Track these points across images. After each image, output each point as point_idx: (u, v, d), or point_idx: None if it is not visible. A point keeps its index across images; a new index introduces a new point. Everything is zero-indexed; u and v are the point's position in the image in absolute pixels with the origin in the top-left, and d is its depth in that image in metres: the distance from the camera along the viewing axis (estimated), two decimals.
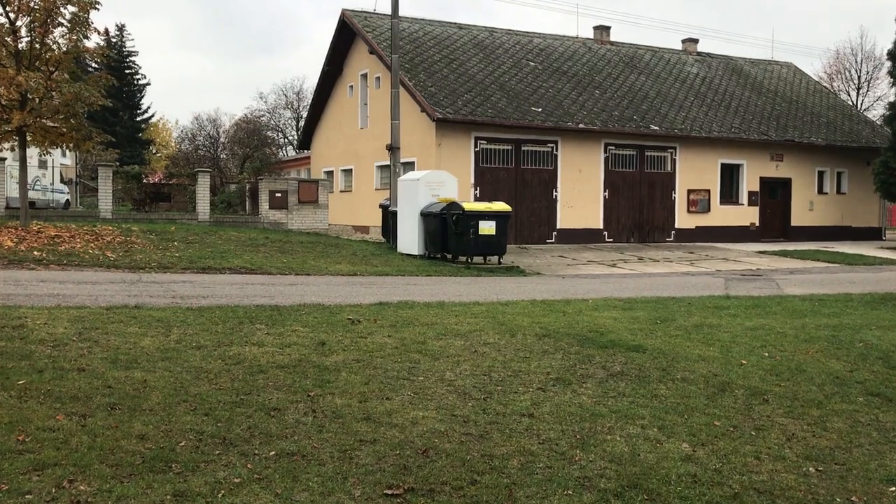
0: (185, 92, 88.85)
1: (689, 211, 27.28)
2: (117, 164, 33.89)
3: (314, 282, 13.18)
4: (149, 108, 63.01)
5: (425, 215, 18.61)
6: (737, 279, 17.09)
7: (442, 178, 19.32)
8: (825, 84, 41.46)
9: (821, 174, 30.21)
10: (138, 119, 61.61)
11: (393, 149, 21.41)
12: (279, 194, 21.68)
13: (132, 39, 69.15)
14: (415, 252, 18.85)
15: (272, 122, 59.60)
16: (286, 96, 60.66)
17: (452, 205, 17.68)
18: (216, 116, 52.81)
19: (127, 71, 61.03)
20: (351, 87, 28.76)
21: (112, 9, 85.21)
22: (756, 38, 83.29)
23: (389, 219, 21.01)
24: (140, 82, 61.81)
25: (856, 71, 49.40)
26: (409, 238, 19.13)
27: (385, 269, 16.02)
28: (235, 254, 15.89)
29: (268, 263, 15.02)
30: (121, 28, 60.94)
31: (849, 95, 47.26)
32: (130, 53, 61.36)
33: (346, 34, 27.95)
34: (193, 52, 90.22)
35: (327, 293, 11.48)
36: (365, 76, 27.73)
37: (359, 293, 11.68)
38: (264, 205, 21.99)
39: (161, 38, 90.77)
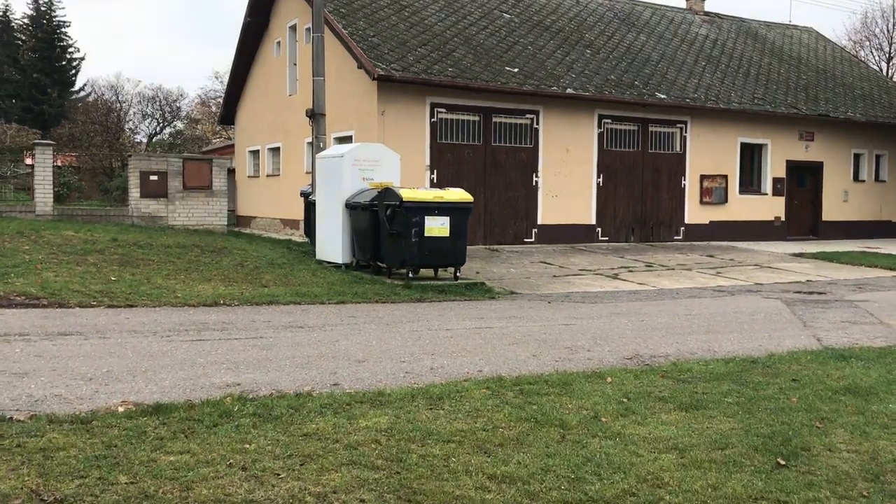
0: (152, 77, 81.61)
1: (701, 202, 21.77)
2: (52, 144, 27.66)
3: (113, 325, 7.45)
4: (85, 86, 56.27)
5: (352, 207, 12.97)
6: (799, 301, 11.76)
7: (377, 154, 13.65)
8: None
9: (857, 157, 24.80)
10: (73, 98, 55.00)
11: (315, 115, 15.65)
12: (155, 177, 15.56)
13: (63, 8, 61.82)
14: (338, 259, 13.22)
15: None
16: None
17: (386, 192, 12.01)
18: (116, 83, 44.96)
19: (59, 44, 54.50)
20: (278, 43, 22.84)
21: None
22: None
23: (311, 211, 15.34)
24: (73, 56, 55.22)
25: (887, 39, 42.66)
26: (331, 239, 13.48)
27: (276, 290, 10.35)
28: (36, 268, 10.10)
29: (76, 285, 9.27)
30: None
31: (878, 67, 41.09)
32: (62, 24, 54.71)
33: None
34: (171, 38, 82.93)
35: (88, 362, 5.79)
36: (294, 28, 21.83)
37: (160, 363, 5.99)
38: (134, 192, 15.80)
39: (136, 24, 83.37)
